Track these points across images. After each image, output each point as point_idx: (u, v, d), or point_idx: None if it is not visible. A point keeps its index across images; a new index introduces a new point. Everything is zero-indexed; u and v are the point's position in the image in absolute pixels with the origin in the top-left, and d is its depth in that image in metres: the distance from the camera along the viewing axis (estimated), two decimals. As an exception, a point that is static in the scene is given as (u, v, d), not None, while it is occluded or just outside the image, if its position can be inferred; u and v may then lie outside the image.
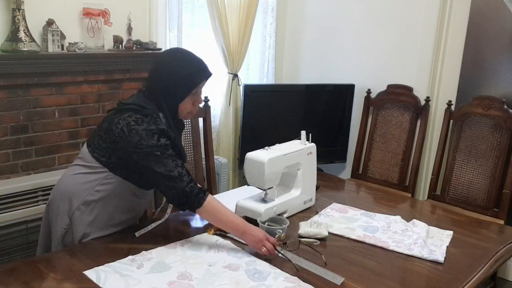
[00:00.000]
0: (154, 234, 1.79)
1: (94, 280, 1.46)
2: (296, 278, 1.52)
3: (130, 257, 1.60)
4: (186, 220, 1.97)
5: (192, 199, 1.64)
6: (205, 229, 1.85)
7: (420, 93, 3.11)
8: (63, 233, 1.73)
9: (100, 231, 1.74)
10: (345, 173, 3.53)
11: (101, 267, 1.53)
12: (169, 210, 1.83)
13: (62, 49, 2.49)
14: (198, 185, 1.68)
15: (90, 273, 1.49)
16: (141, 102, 1.68)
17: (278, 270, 1.57)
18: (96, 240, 1.72)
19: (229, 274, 1.53)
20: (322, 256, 1.66)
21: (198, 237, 1.79)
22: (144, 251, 1.64)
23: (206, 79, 1.79)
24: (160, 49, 2.87)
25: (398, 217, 2.04)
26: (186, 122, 2.53)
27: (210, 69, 1.80)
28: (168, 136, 1.65)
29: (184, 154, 1.76)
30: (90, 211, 1.72)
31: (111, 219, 1.76)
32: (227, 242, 1.75)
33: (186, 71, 1.70)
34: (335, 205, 2.19)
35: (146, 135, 1.60)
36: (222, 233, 1.81)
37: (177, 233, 1.83)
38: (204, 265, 1.58)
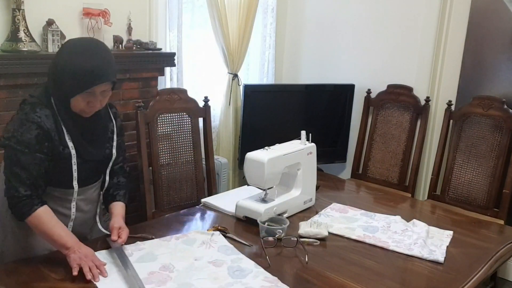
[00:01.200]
0: (156, 228, 1.81)
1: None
2: (275, 278, 1.52)
3: (124, 246, 1.63)
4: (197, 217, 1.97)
5: (16, 210, 1.53)
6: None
7: (420, 93, 3.11)
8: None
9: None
10: (345, 173, 3.53)
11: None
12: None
13: (62, 49, 2.49)
14: (33, 197, 1.53)
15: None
16: (33, 93, 1.60)
17: (261, 269, 1.58)
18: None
19: (211, 269, 1.56)
20: (306, 255, 1.65)
21: (195, 232, 1.80)
22: (138, 242, 1.69)
23: (108, 83, 1.58)
24: (160, 49, 2.87)
25: (398, 217, 2.04)
26: (186, 122, 2.54)
27: (111, 75, 1.57)
28: (40, 128, 1.51)
29: (65, 151, 1.59)
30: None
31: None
32: (221, 239, 1.76)
33: (82, 67, 1.49)
34: (335, 205, 2.19)
35: (14, 123, 1.53)
36: (222, 233, 1.82)
37: (176, 227, 1.85)
38: (190, 259, 1.61)
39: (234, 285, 1.47)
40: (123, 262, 1.52)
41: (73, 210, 1.69)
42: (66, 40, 1.64)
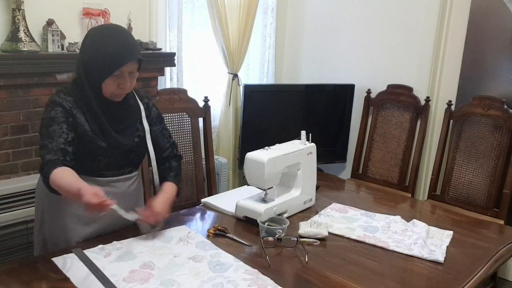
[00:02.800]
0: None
1: (60, 267, 1.51)
2: (256, 271, 1.54)
3: (100, 246, 1.64)
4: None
5: (42, 176, 1.56)
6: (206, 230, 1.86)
7: (420, 93, 3.11)
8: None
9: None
10: (345, 173, 3.53)
11: (69, 254, 1.57)
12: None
13: (62, 49, 2.50)
14: (58, 160, 1.54)
15: (57, 260, 1.54)
16: (64, 84, 1.71)
17: (241, 263, 1.59)
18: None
19: (191, 265, 1.57)
20: (306, 255, 1.65)
21: (171, 229, 1.81)
22: (115, 241, 1.68)
23: (134, 61, 1.63)
24: (160, 49, 2.87)
25: (398, 217, 2.04)
26: (186, 122, 2.54)
27: (137, 53, 1.64)
28: (61, 107, 1.60)
29: (94, 132, 1.63)
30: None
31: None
32: (198, 235, 1.77)
33: (107, 51, 1.57)
34: (335, 205, 2.19)
35: (44, 112, 1.63)
36: (222, 233, 1.82)
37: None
38: (169, 256, 1.62)
39: (216, 279, 1.49)
40: (91, 267, 1.50)
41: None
42: (87, 32, 1.71)
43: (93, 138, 1.64)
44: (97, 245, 1.64)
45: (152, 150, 1.82)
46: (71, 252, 1.57)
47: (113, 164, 1.71)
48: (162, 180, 1.84)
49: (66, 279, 1.46)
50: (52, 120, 1.59)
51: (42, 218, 1.76)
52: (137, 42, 1.69)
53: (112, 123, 1.67)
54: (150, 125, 1.82)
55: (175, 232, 1.79)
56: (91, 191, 1.42)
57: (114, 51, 1.57)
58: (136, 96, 1.81)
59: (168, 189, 1.80)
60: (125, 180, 1.78)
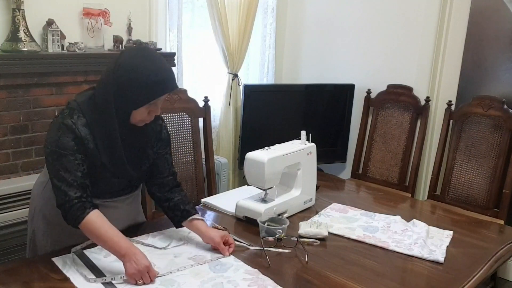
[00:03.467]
0: (156, 228, 1.81)
1: (60, 267, 1.51)
2: (256, 271, 1.54)
3: (100, 246, 1.62)
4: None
5: (69, 216, 1.49)
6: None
7: (420, 93, 3.11)
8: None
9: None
10: (345, 173, 3.53)
11: (69, 254, 1.57)
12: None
13: (62, 49, 2.50)
14: (84, 199, 1.49)
15: (57, 260, 1.54)
16: (77, 98, 1.56)
17: (241, 263, 1.59)
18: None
19: (192, 265, 1.57)
20: (306, 255, 1.65)
21: (171, 229, 1.81)
22: None
23: (170, 92, 1.58)
24: (160, 49, 2.87)
25: (398, 217, 2.04)
26: (186, 122, 2.54)
27: (175, 82, 1.56)
28: (74, 134, 1.49)
29: (112, 164, 1.56)
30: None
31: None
32: (198, 236, 1.76)
33: (149, 79, 1.46)
34: (335, 205, 2.19)
35: (52, 129, 1.52)
36: (222, 233, 1.82)
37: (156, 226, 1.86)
38: (169, 256, 1.62)
39: (216, 279, 1.49)
40: (90, 267, 1.52)
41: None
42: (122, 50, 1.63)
43: (100, 168, 1.56)
44: (97, 245, 1.63)
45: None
46: (71, 252, 1.57)
47: (113, 190, 1.67)
48: (185, 212, 1.72)
49: (66, 279, 1.46)
50: (65, 148, 1.48)
51: (32, 220, 1.74)
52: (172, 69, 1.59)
53: (126, 150, 1.58)
54: (158, 148, 1.73)
55: (175, 232, 1.79)
56: (135, 267, 1.43)
57: (159, 79, 1.48)
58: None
59: (204, 225, 1.72)
60: (123, 200, 1.74)
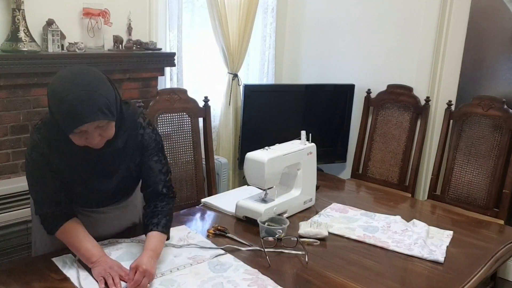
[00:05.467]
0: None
1: (60, 267, 1.51)
2: (256, 271, 1.54)
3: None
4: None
5: (44, 226, 1.55)
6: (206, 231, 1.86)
7: (420, 93, 3.11)
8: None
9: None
10: (345, 173, 3.53)
11: (69, 254, 1.57)
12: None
13: (62, 49, 2.50)
14: (57, 213, 1.51)
15: (57, 261, 1.55)
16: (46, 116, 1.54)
17: (241, 263, 1.59)
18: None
19: (191, 265, 1.57)
20: (306, 255, 1.65)
21: (171, 229, 1.80)
22: (115, 241, 1.69)
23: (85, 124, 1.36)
24: (160, 49, 2.87)
25: (398, 217, 2.04)
26: (186, 122, 2.54)
27: (98, 112, 1.35)
28: (40, 150, 1.48)
29: (72, 178, 1.52)
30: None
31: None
32: (198, 235, 1.77)
33: (63, 110, 1.35)
34: (335, 205, 2.19)
35: (29, 140, 1.54)
36: (222, 233, 1.82)
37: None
38: (169, 256, 1.62)
39: (216, 279, 1.49)
40: None
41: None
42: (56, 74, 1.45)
43: (69, 183, 1.54)
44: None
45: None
46: (71, 252, 1.57)
47: (97, 200, 1.64)
48: (145, 227, 1.59)
49: (66, 279, 1.46)
50: (36, 163, 1.50)
51: (32, 220, 1.75)
52: (103, 97, 1.37)
53: (95, 166, 1.52)
54: (144, 156, 1.61)
55: (175, 232, 1.79)
56: (103, 267, 1.44)
57: (70, 111, 1.33)
58: (125, 134, 1.54)
59: (152, 243, 1.52)
60: (113, 208, 1.71)
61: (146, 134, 1.60)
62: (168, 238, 1.62)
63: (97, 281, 1.43)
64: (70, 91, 1.34)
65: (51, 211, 1.52)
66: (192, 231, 1.81)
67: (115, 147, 1.51)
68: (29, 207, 2.37)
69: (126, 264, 1.54)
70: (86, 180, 1.56)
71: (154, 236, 1.55)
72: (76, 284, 1.44)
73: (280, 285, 1.48)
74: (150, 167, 1.62)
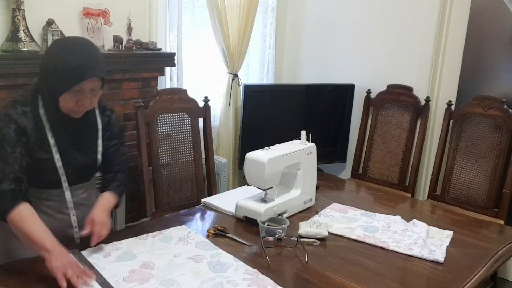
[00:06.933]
0: (156, 228, 1.81)
1: None
2: (256, 271, 1.54)
3: (101, 245, 1.64)
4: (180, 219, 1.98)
5: (1, 203, 1.48)
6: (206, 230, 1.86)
7: (420, 93, 3.11)
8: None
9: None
10: (345, 173, 3.53)
11: (69, 255, 1.54)
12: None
13: (62, 49, 2.49)
14: (17, 192, 1.50)
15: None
16: (24, 92, 1.58)
17: (241, 263, 1.59)
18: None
19: (191, 265, 1.57)
20: (306, 255, 1.66)
21: (171, 229, 1.81)
22: (115, 241, 1.68)
23: (97, 79, 1.53)
24: (160, 49, 2.87)
25: (398, 217, 2.04)
26: (186, 122, 2.54)
27: (100, 71, 1.52)
28: (16, 124, 1.49)
29: (49, 150, 1.55)
30: None
31: None
32: (198, 235, 1.77)
33: (68, 64, 1.46)
34: (335, 205, 2.19)
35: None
36: (222, 233, 1.82)
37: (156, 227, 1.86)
38: (169, 256, 1.62)
39: (216, 279, 1.49)
40: (88, 268, 1.49)
41: (72, 211, 1.67)
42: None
43: (46, 158, 1.56)
44: (96, 246, 1.63)
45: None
46: (69, 253, 1.57)
47: (68, 178, 1.63)
48: (103, 188, 1.76)
49: (66, 279, 1.46)
50: (5, 140, 1.49)
51: None
52: (103, 59, 1.55)
53: (71, 139, 1.59)
54: (108, 140, 1.73)
55: (175, 232, 1.79)
56: (61, 263, 1.38)
57: (76, 64, 1.46)
58: (97, 111, 1.69)
59: (105, 201, 1.71)
60: (78, 189, 1.70)
61: (112, 118, 1.76)
62: (119, 199, 1.77)
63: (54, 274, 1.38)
64: (77, 48, 1.50)
65: (11, 188, 1.48)
66: (192, 231, 1.81)
67: (90, 119, 1.64)
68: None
69: (126, 264, 1.55)
70: (65, 151, 1.58)
71: (105, 195, 1.73)
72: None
73: (280, 285, 1.48)
74: (118, 150, 1.78)
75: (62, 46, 1.54)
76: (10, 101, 1.56)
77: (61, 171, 1.59)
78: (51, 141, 1.56)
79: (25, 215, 1.48)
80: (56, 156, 1.57)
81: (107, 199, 1.72)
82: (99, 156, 1.70)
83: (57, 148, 1.57)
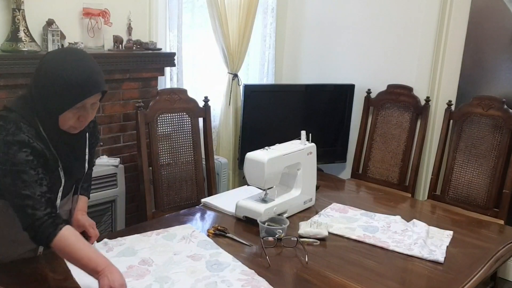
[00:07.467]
0: (156, 228, 1.80)
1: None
2: (252, 271, 1.55)
3: (105, 240, 1.67)
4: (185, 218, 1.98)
5: (40, 235, 1.38)
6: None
7: (420, 93, 3.11)
8: None
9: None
10: (345, 173, 3.53)
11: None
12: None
13: (62, 49, 2.49)
14: (54, 214, 1.41)
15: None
16: (11, 106, 1.45)
17: (239, 263, 1.60)
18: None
19: (189, 263, 1.58)
20: (306, 255, 1.66)
21: (176, 227, 1.81)
22: (119, 237, 1.70)
23: (99, 94, 1.46)
24: (160, 49, 2.87)
25: (398, 217, 2.04)
26: (186, 122, 2.54)
27: (103, 85, 1.46)
28: (32, 148, 1.40)
29: (61, 172, 1.52)
30: None
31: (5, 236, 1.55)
32: (202, 234, 1.78)
33: (70, 80, 1.36)
34: (335, 205, 2.19)
35: (3, 146, 1.38)
36: (222, 233, 1.82)
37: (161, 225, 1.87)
38: (169, 253, 1.63)
39: (211, 278, 1.50)
40: None
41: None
42: (47, 53, 1.49)
43: (57, 174, 1.51)
44: (101, 240, 1.66)
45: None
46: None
47: (65, 191, 1.61)
48: (78, 189, 1.74)
49: (66, 279, 1.46)
50: (23, 164, 1.38)
51: None
52: (101, 70, 1.47)
53: (71, 151, 1.55)
54: (92, 147, 1.70)
55: (179, 230, 1.80)
56: (112, 282, 1.31)
57: (78, 81, 1.37)
58: None
59: (84, 203, 1.76)
60: (67, 201, 1.70)
61: (95, 126, 1.75)
62: (88, 198, 1.81)
63: None
64: (75, 63, 1.40)
65: (48, 213, 1.38)
66: (196, 230, 1.82)
67: (83, 130, 1.57)
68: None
69: (127, 260, 1.56)
70: (68, 165, 1.55)
71: (81, 198, 1.75)
72: (78, 281, 1.44)
73: (278, 286, 1.48)
74: (94, 153, 1.76)
75: (57, 62, 1.41)
76: (8, 122, 1.42)
77: (62, 185, 1.56)
78: (56, 160, 1.50)
79: (69, 239, 1.38)
80: (61, 172, 1.53)
81: (84, 202, 1.76)
82: (87, 164, 1.67)
83: (61, 163, 1.52)
